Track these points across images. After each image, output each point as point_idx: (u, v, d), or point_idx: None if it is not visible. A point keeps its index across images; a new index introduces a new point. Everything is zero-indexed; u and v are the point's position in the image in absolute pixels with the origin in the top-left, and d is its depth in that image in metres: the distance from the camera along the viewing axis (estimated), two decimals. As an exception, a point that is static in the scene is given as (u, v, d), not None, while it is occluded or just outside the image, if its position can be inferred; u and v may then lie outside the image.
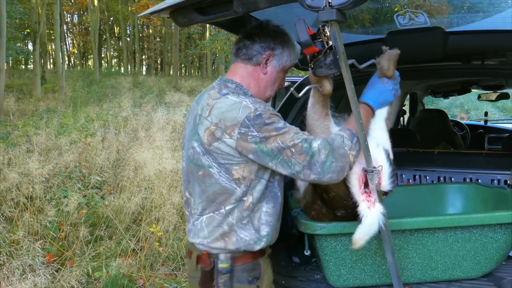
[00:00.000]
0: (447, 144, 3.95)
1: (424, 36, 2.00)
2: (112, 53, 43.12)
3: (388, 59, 1.44)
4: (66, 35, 40.73)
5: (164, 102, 13.45)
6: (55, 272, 3.01)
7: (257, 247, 1.42)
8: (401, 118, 5.03)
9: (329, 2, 1.08)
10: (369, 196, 1.43)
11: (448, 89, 4.86)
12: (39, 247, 3.11)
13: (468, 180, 2.44)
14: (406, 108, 5.35)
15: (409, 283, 1.75)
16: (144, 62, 45.97)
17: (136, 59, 40.77)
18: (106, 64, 40.35)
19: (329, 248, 1.68)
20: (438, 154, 2.77)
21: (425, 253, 1.71)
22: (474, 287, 1.73)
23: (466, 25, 2.13)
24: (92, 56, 35.60)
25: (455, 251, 1.70)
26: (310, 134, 1.40)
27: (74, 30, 45.24)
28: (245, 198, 1.37)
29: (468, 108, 16.16)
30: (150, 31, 43.53)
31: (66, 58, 44.07)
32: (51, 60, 33.87)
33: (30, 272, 2.88)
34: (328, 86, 1.43)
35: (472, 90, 5.06)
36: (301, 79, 2.54)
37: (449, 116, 4.27)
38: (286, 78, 1.62)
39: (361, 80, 1.54)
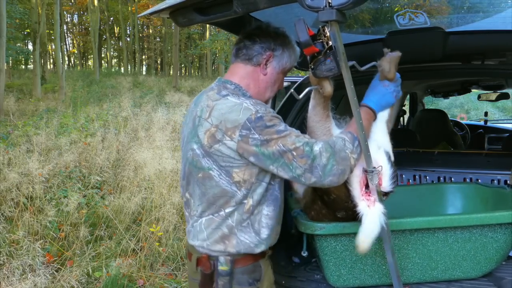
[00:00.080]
0: (447, 144, 3.95)
1: (424, 36, 2.00)
2: (112, 53, 43.13)
3: (389, 61, 1.44)
4: (66, 35, 40.74)
5: (164, 102, 13.45)
6: (55, 272, 3.01)
7: (258, 250, 1.41)
8: (401, 118, 5.03)
9: (329, 2, 1.08)
10: (369, 195, 1.43)
11: (448, 89, 4.87)
12: (39, 247, 3.11)
13: (468, 180, 2.44)
14: (406, 108, 5.35)
15: (409, 283, 1.75)
16: (144, 62, 45.97)
17: (136, 59, 40.77)
18: (106, 64, 40.36)
19: (329, 248, 1.68)
20: (438, 154, 2.77)
21: (425, 253, 1.71)
22: (474, 287, 1.73)
23: (466, 25, 2.13)
24: (92, 56, 35.61)
25: (455, 251, 1.70)
26: (311, 136, 1.40)
27: (74, 30, 45.25)
28: (245, 201, 1.36)
29: (468, 108, 16.16)
30: (150, 31, 43.53)
31: (66, 58, 44.10)
32: (51, 60, 33.88)
33: (30, 272, 2.88)
34: (328, 88, 1.42)
35: (472, 90, 5.06)
36: (301, 79, 2.55)
37: (449, 116, 4.28)
38: (286, 78, 1.61)
39: (361, 80, 1.54)
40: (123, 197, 4.26)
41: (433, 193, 2.28)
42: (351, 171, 1.33)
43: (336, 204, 1.58)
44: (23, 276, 2.82)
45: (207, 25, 20.97)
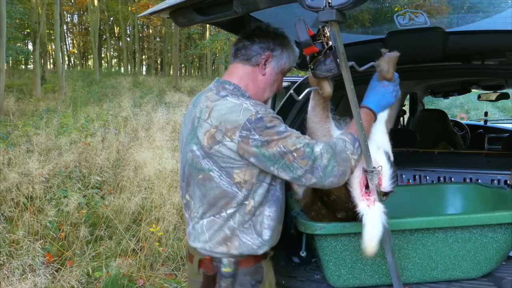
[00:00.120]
0: (447, 144, 3.95)
1: (424, 36, 2.00)
2: (112, 53, 43.13)
3: (387, 61, 1.44)
4: (66, 35, 40.74)
5: (164, 102, 13.46)
6: (55, 272, 3.01)
7: (261, 251, 1.40)
8: (401, 118, 5.03)
9: (329, 3, 1.08)
10: (369, 195, 1.43)
11: (448, 89, 4.87)
12: (39, 247, 3.11)
13: (468, 180, 2.44)
14: (406, 108, 5.35)
15: (409, 283, 1.75)
16: (144, 62, 45.98)
17: (136, 59, 40.77)
18: (106, 64, 40.36)
19: (329, 248, 1.68)
20: (438, 154, 2.77)
21: (425, 253, 1.71)
22: (474, 287, 1.73)
23: (466, 25, 2.13)
24: (92, 56, 35.61)
25: (455, 251, 1.70)
26: (311, 137, 1.40)
27: (74, 30, 45.25)
28: (246, 202, 1.35)
29: (468, 108, 16.16)
30: (150, 31, 43.53)
31: (66, 58, 44.09)
32: (51, 60, 33.88)
33: (30, 272, 2.88)
34: (328, 88, 1.42)
35: (472, 90, 5.06)
36: (301, 79, 2.55)
37: (449, 116, 4.28)
38: (286, 78, 1.61)
39: (361, 80, 1.54)
40: (123, 197, 4.26)
41: (433, 193, 2.28)
42: (352, 172, 1.33)
43: (336, 205, 1.58)
44: (23, 276, 2.82)
45: (207, 25, 20.97)
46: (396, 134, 3.57)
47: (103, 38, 38.55)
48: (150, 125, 7.99)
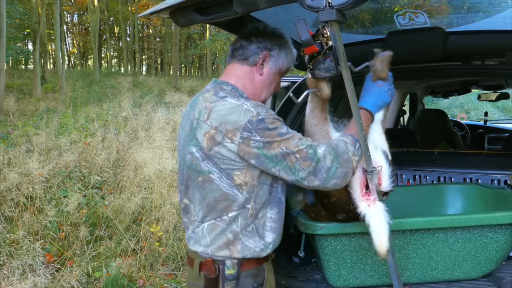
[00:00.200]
0: (447, 144, 3.95)
1: (424, 36, 2.00)
2: (112, 53, 43.14)
3: (382, 61, 1.44)
4: (66, 35, 40.75)
5: (164, 102, 13.46)
6: (55, 272, 3.01)
7: (264, 254, 1.38)
8: (401, 118, 5.03)
9: (329, 3, 1.08)
10: (369, 195, 1.43)
11: (448, 89, 4.87)
12: (39, 247, 3.11)
13: (468, 180, 2.44)
14: (406, 108, 5.35)
15: (409, 284, 1.75)
16: (144, 62, 45.98)
17: (136, 59, 40.78)
18: (106, 64, 40.37)
19: (329, 248, 1.68)
20: (438, 154, 2.77)
21: (425, 253, 1.71)
22: (474, 287, 1.73)
23: (466, 25, 2.13)
24: (92, 56, 35.61)
25: (455, 251, 1.70)
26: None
27: (74, 30, 45.26)
28: (248, 205, 1.33)
29: (468, 108, 16.17)
30: (150, 31, 43.54)
31: (66, 58, 44.10)
32: (51, 60, 33.89)
33: (30, 272, 2.88)
34: (326, 90, 1.41)
35: (472, 90, 5.06)
36: (301, 79, 2.55)
37: (449, 116, 4.28)
38: (286, 78, 1.61)
39: (356, 81, 1.54)
40: (123, 197, 4.26)
41: (433, 194, 2.28)
42: (353, 174, 1.33)
43: (337, 207, 1.58)
44: (23, 276, 2.82)
45: (207, 25, 20.98)
46: (396, 134, 3.60)
47: (103, 38, 38.55)
48: (150, 125, 7.99)
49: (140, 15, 1.72)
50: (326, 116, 1.50)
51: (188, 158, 1.38)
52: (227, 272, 1.36)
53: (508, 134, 3.98)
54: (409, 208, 2.11)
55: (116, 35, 42.75)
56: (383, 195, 1.45)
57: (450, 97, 5.63)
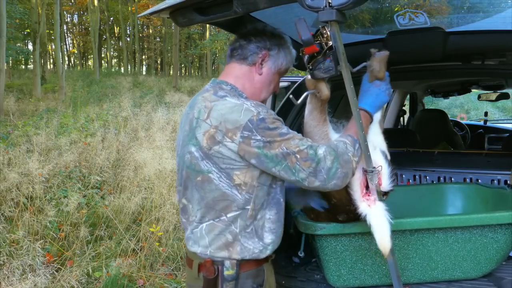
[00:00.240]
0: (447, 144, 3.95)
1: (424, 36, 2.00)
2: (112, 53, 43.14)
3: (379, 61, 1.43)
4: (66, 35, 40.75)
5: (164, 102, 13.46)
6: (55, 272, 3.01)
7: (263, 256, 1.38)
8: (401, 118, 5.03)
9: (329, 3, 1.08)
10: (369, 195, 1.43)
11: (448, 89, 4.86)
12: (39, 247, 3.11)
13: (468, 180, 2.44)
14: (406, 108, 5.35)
15: (409, 283, 1.75)
16: (144, 62, 45.99)
17: (136, 59, 40.79)
18: (106, 64, 40.37)
19: (329, 249, 1.68)
20: (438, 154, 2.77)
21: (425, 253, 1.71)
22: (474, 287, 1.73)
23: (466, 25, 2.13)
24: (92, 56, 35.62)
25: (455, 251, 1.70)
26: None
27: (74, 30, 45.26)
28: (248, 206, 1.32)
29: (468, 108, 16.17)
30: (150, 31, 43.55)
31: (66, 58, 44.10)
32: (51, 60, 33.89)
33: (30, 272, 2.88)
34: (326, 91, 1.41)
35: (472, 90, 5.06)
36: (301, 79, 2.54)
37: (449, 116, 4.28)
38: (286, 78, 1.61)
39: (358, 81, 1.54)
40: (123, 197, 4.26)
41: (433, 193, 2.28)
42: (353, 174, 1.33)
43: (337, 208, 1.58)
44: (23, 276, 2.82)
45: (207, 25, 20.98)
46: (396, 134, 3.59)
47: (103, 38, 38.56)
48: (150, 125, 7.99)
49: (140, 15, 1.72)
50: (325, 117, 1.50)
51: (187, 157, 1.37)
52: (226, 272, 1.35)
53: (508, 134, 3.98)
54: (409, 208, 2.11)
55: (116, 35, 42.76)
56: (383, 195, 1.45)
57: (450, 97, 5.63)
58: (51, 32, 24.97)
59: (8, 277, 2.79)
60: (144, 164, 4.99)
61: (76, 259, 3.20)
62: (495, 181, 2.40)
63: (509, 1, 1.98)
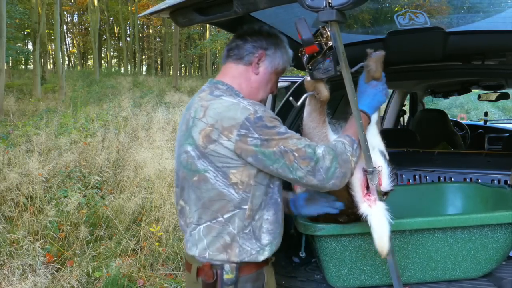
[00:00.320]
0: (447, 144, 3.95)
1: (424, 36, 2.00)
2: (112, 53, 43.14)
3: (375, 61, 1.43)
4: (66, 35, 40.75)
5: (164, 102, 13.47)
6: (55, 272, 3.01)
7: (261, 257, 1.35)
8: (401, 118, 5.03)
9: (329, 3, 1.08)
10: (369, 195, 1.43)
11: (448, 89, 4.86)
12: (39, 247, 3.11)
13: (468, 180, 2.44)
14: (406, 108, 5.35)
15: (409, 284, 1.75)
16: (144, 62, 45.99)
17: (136, 59, 40.79)
18: (106, 64, 40.37)
19: (329, 249, 1.68)
20: (438, 154, 2.77)
21: (425, 253, 1.71)
22: (474, 287, 1.73)
23: (466, 25, 2.13)
24: (92, 56, 35.62)
25: (455, 251, 1.70)
26: None
27: (74, 30, 45.26)
28: (245, 206, 1.30)
29: (468, 108, 16.17)
30: (150, 31, 43.55)
31: (66, 58, 44.10)
32: (51, 60, 33.88)
33: (30, 272, 2.88)
34: (325, 92, 1.40)
35: (472, 90, 5.06)
36: (301, 79, 2.54)
37: (449, 116, 4.28)
38: (287, 78, 1.61)
39: (355, 81, 1.54)
40: (123, 197, 4.26)
41: (433, 193, 2.28)
42: (351, 175, 1.32)
43: (340, 211, 1.57)
44: (23, 276, 2.82)
45: (207, 25, 20.99)
46: (396, 134, 3.59)
47: (103, 38, 38.55)
48: (150, 125, 8.00)
49: (140, 15, 1.72)
50: (324, 118, 1.49)
51: (183, 157, 1.36)
52: (225, 276, 1.33)
53: (508, 134, 3.98)
54: (409, 207, 2.11)
55: (116, 35, 42.75)
56: (383, 195, 1.46)
57: (450, 97, 5.63)
58: (51, 32, 24.97)
59: (8, 277, 2.79)
60: (144, 164, 4.99)
61: (76, 259, 3.20)
62: (495, 181, 2.40)
63: (509, 1, 1.98)
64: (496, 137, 4.69)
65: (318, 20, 1.12)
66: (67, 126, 7.35)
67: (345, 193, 1.44)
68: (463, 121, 5.54)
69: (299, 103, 1.46)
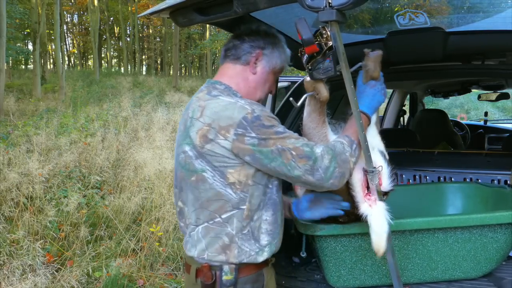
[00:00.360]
0: (447, 144, 3.95)
1: (424, 36, 2.00)
2: (112, 53, 43.14)
3: (373, 60, 1.43)
4: (66, 35, 40.75)
5: (164, 102, 13.47)
6: (55, 272, 3.02)
7: (261, 258, 1.35)
8: (401, 118, 5.03)
9: (329, 3, 1.08)
10: (370, 195, 1.43)
11: (448, 89, 4.87)
12: (39, 247, 3.11)
13: (468, 180, 2.44)
14: (406, 108, 5.35)
15: (409, 284, 1.75)
16: (144, 62, 45.99)
17: (136, 59, 40.78)
18: (106, 64, 40.36)
19: (329, 249, 1.68)
20: (438, 154, 2.77)
21: (425, 253, 1.70)
22: (474, 287, 1.73)
23: (466, 25, 2.13)
24: (92, 56, 35.61)
25: (455, 251, 1.70)
26: None
27: (74, 30, 45.26)
28: (243, 206, 1.29)
29: (468, 108, 16.17)
30: (150, 31, 43.55)
31: (66, 58, 44.10)
32: (51, 60, 33.89)
33: (30, 272, 2.88)
34: (325, 92, 1.40)
35: (472, 90, 5.06)
36: (301, 79, 2.54)
37: (449, 116, 4.28)
38: (287, 78, 1.61)
39: (354, 81, 1.53)
40: (123, 197, 4.26)
41: (433, 193, 2.28)
42: (350, 175, 1.32)
43: None
44: (23, 276, 2.82)
45: (207, 25, 21.00)
46: (396, 134, 3.59)
47: (103, 38, 38.54)
48: (150, 125, 8.00)
49: (140, 15, 1.72)
50: (324, 119, 1.49)
51: (181, 157, 1.36)
52: (224, 278, 1.32)
53: (508, 134, 3.98)
54: (409, 207, 2.11)
55: (116, 35, 42.75)
56: (383, 195, 1.45)
57: (450, 97, 5.63)
58: (51, 32, 24.98)
59: (8, 277, 2.79)
60: (144, 164, 4.99)
61: (76, 259, 3.20)
62: (495, 181, 2.40)
63: (509, 1, 1.98)
64: (496, 137, 4.69)
65: (318, 20, 1.12)
66: (67, 126, 7.35)
67: (346, 194, 1.43)
68: (463, 121, 5.54)
69: (299, 103, 1.45)
